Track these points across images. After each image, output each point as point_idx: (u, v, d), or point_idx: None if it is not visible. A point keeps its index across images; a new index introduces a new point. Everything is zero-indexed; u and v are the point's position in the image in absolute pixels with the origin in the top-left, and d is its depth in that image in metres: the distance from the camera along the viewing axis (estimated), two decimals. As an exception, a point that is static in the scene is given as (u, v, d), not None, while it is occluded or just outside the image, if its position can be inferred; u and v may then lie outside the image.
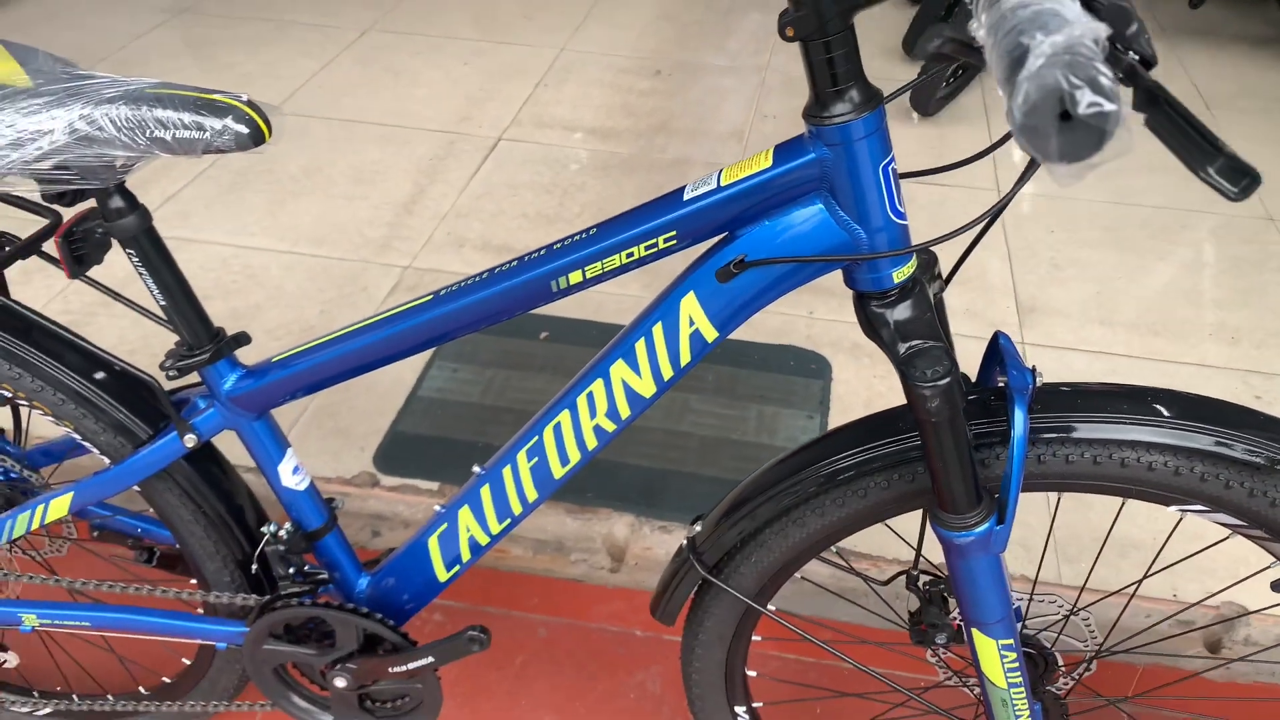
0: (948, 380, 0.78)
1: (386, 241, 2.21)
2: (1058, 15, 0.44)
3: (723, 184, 0.80)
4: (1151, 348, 1.95)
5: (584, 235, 0.86)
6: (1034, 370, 0.84)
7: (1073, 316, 2.03)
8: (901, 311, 0.81)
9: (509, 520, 1.03)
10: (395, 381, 1.82)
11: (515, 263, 0.89)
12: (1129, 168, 2.52)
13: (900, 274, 0.80)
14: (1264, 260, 2.22)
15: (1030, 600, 1.04)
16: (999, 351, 0.88)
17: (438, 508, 1.07)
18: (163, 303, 0.97)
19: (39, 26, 3.24)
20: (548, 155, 2.55)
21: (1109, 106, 0.42)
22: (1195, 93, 2.89)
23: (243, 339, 1.01)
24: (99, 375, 1.04)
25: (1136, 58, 0.53)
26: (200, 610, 1.19)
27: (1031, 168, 0.79)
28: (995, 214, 0.80)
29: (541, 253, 0.87)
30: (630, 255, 0.84)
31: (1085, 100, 0.42)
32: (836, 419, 1.78)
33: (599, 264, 0.85)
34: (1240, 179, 0.47)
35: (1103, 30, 0.43)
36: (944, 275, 0.91)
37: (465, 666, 1.41)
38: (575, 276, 0.86)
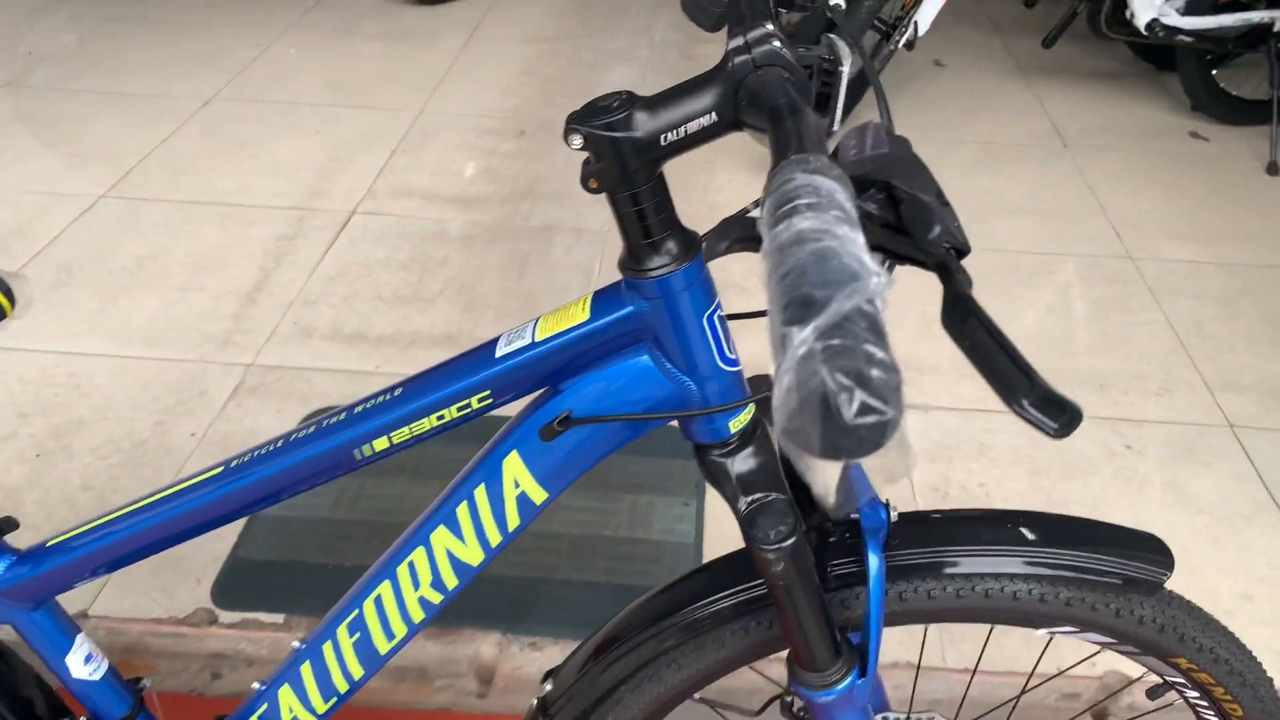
0: (791, 541, 0.71)
1: (228, 337, 2.05)
2: (837, 259, 0.36)
3: (538, 339, 0.71)
4: (1025, 402, 1.93)
5: (389, 396, 0.76)
6: (888, 505, 0.79)
7: (944, 372, 2.01)
8: (742, 462, 0.74)
9: (335, 699, 0.91)
10: (236, 500, 1.66)
11: (313, 428, 0.78)
12: (991, 212, 2.54)
13: (738, 422, 0.73)
14: (1125, 300, 2.25)
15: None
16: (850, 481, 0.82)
17: (256, 685, 0.95)
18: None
19: None
20: (405, 228, 2.43)
21: (882, 413, 0.34)
22: (1053, 129, 2.95)
23: (8, 525, 0.87)
24: None
25: (948, 248, 0.48)
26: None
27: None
28: None
29: (342, 417, 0.77)
30: (441, 418, 0.75)
31: (854, 405, 0.34)
32: (714, 502, 1.70)
33: (406, 429, 0.75)
34: (1060, 414, 0.42)
35: (883, 286, 0.36)
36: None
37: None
38: (380, 443, 0.76)
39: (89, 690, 0.94)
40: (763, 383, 0.81)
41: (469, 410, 0.73)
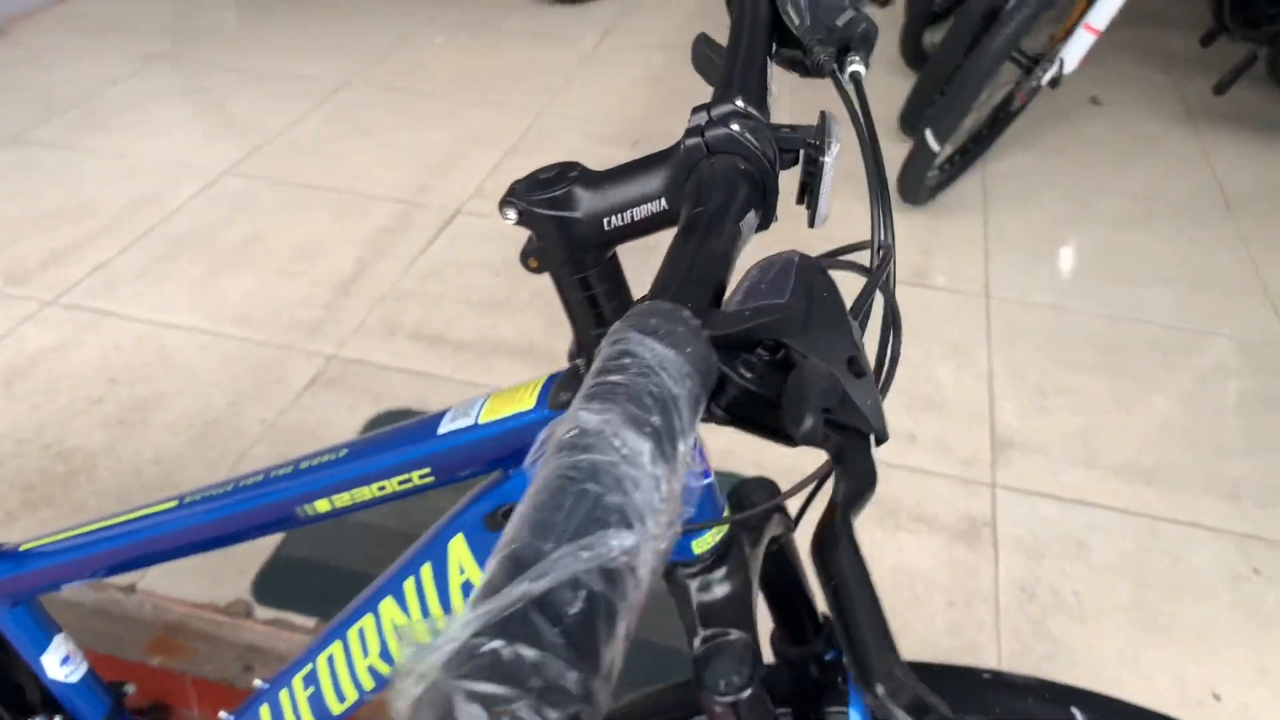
0: (746, 693, 0.61)
1: (317, 325, 2.06)
2: (590, 497, 0.27)
3: (480, 420, 0.64)
4: (1139, 499, 1.74)
5: (334, 456, 0.70)
6: None
7: (1053, 456, 1.83)
8: (706, 588, 0.65)
9: (291, 749, 0.86)
10: (286, 496, 1.66)
11: (262, 477, 0.73)
12: (1134, 275, 2.32)
13: (702, 543, 0.64)
14: (1277, 397, 2.01)
15: None
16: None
17: (223, 714, 0.91)
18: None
19: (17, 69, 3.17)
20: (505, 232, 2.40)
21: None
22: (1217, 187, 2.68)
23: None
24: None
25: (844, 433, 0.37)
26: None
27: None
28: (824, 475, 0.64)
29: (289, 470, 0.71)
30: (382, 489, 0.68)
31: None
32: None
33: (348, 495, 0.69)
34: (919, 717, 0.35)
35: (653, 544, 0.27)
36: (794, 519, 0.76)
37: None
38: (323, 505, 0.70)
39: (66, 691, 0.93)
40: (746, 494, 0.72)
41: (410, 485, 0.67)
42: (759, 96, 0.55)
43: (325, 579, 1.54)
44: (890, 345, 0.59)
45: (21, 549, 0.82)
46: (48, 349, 1.97)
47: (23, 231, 2.34)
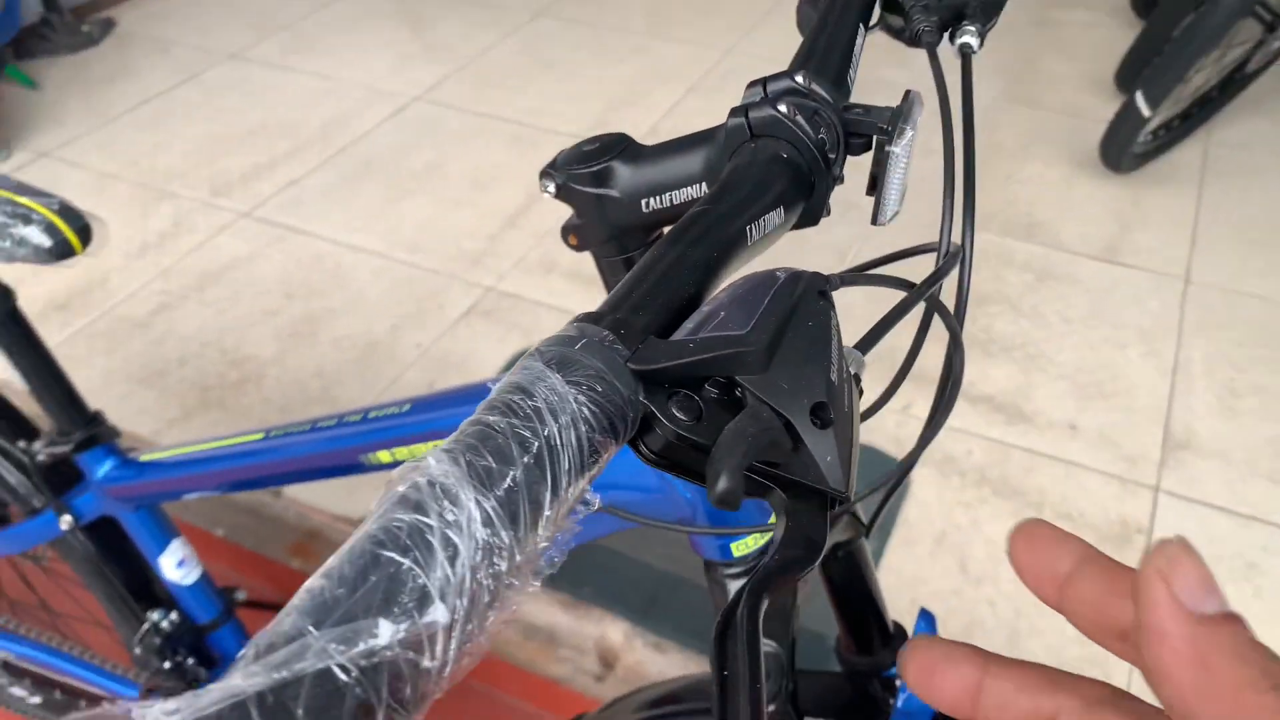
0: (770, 711, 0.58)
1: (480, 257, 2.12)
2: (392, 566, 0.25)
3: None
4: (1331, 520, 1.56)
5: (399, 409, 0.72)
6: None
7: (1234, 464, 1.66)
8: None
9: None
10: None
11: (336, 421, 0.76)
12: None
13: (742, 546, 0.61)
14: None
15: None
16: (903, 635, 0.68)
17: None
18: (28, 386, 0.90)
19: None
20: (676, 175, 2.37)
21: None
22: None
23: (114, 433, 0.93)
24: None
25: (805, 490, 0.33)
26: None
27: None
28: (908, 467, 0.60)
29: (358, 419, 0.74)
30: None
31: None
32: (897, 550, 1.54)
33: (408, 449, 0.71)
34: None
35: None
36: (867, 522, 0.72)
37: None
38: (384, 456, 0.72)
39: (181, 591, 1.01)
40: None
41: (466, 448, 0.67)
42: (837, 71, 0.49)
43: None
44: (951, 375, 0.54)
45: (142, 459, 0.90)
46: (239, 258, 2.12)
47: (230, 147, 2.52)
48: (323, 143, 2.52)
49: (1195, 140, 2.41)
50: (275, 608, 1.10)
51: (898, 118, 0.48)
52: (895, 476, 0.58)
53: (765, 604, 0.29)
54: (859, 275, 0.43)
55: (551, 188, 0.51)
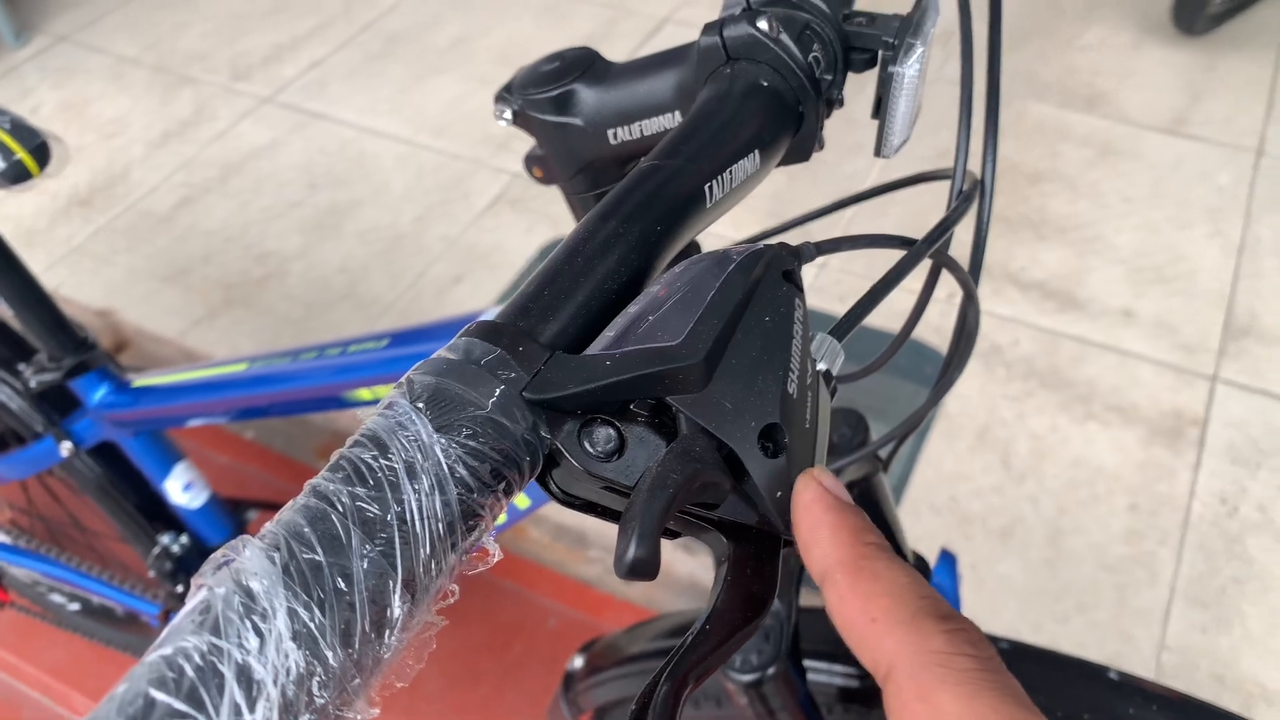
0: (771, 672, 0.55)
1: (506, 140, 2.04)
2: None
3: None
4: (1400, 411, 1.47)
5: (376, 345, 0.68)
6: None
7: (1299, 348, 1.56)
8: None
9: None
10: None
11: (316, 354, 0.72)
12: None
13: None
14: None
15: None
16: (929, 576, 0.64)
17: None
18: (15, 313, 0.87)
19: None
20: (713, 46, 2.24)
21: None
22: None
23: (108, 358, 0.91)
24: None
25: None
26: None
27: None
28: (919, 419, 0.55)
29: (337, 352, 0.70)
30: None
31: None
32: (937, 445, 1.49)
33: (388, 387, 0.66)
34: None
35: None
36: (884, 458, 0.68)
37: (460, 645, 1.34)
38: (365, 393, 0.68)
39: (188, 515, 1.00)
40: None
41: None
42: None
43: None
44: (963, 333, 0.47)
45: (135, 385, 0.87)
46: (261, 147, 2.07)
47: (250, 25, 2.43)
48: (345, 19, 2.41)
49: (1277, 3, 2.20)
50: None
51: (906, 30, 0.40)
52: (906, 429, 0.53)
53: (690, 688, 0.24)
54: (841, 241, 0.36)
55: (507, 114, 0.44)
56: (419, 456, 0.23)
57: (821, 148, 0.41)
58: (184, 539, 1.02)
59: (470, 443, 0.24)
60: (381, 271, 1.79)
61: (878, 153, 0.43)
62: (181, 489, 0.98)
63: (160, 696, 0.19)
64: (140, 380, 0.88)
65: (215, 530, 1.02)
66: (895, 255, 0.38)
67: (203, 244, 1.86)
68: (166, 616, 1.02)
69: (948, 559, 0.66)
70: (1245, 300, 1.64)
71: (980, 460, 1.48)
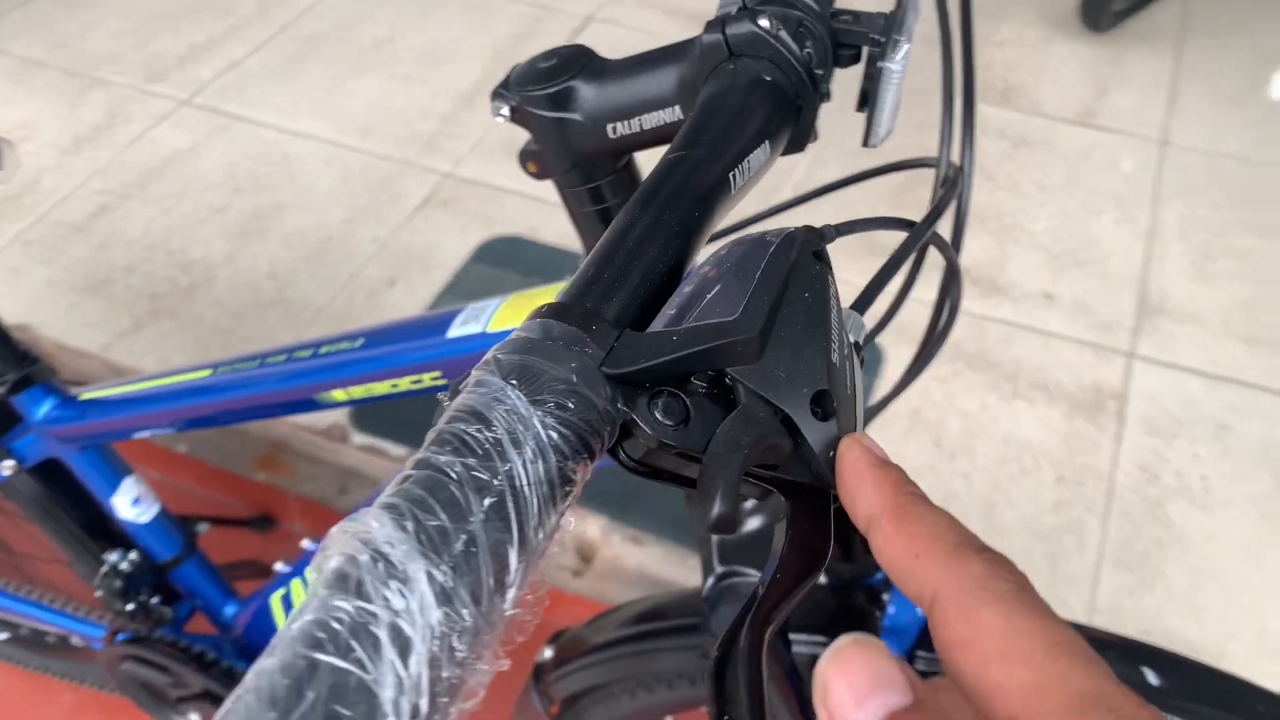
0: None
1: (434, 139, 2.02)
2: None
3: (489, 329, 0.59)
4: (1300, 381, 1.57)
5: (350, 345, 0.68)
6: None
7: (1209, 326, 1.65)
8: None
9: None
10: (397, 317, 1.67)
11: (285, 357, 0.71)
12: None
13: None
14: None
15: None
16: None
17: (279, 566, 0.96)
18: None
19: None
20: (639, 44, 2.24)
21: None
22: None
23: (50, 372, 0.88)
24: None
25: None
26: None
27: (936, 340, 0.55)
28: (894, 395, 0.58)
29: (308, 355, 0.69)
30: (395, 386, 0.65)
31: None
32: (872, 429, 1.53)
33: (363, 387, 0.67)
34: None
35: None
36: None
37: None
38: (339, 394, 0.68)
39: (137, 530, 0.98)
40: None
41: (422, 385, 0.64)
42: None
43: (415, 410, 1.58)
44: (946, 310, 0.50)
45: (82, 398, 0.85)
46: (181, 151, 2.01)
47: (165, 24, 2.36)
48: (262, 20, 2.36)
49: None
50: (243, 524, 1.07)
51: (891, 27, 0.43)
52: (891, 397, 0.56)
53: (770, 631, 0.26)
54: (855, 223, 0.38)
55: (505, 110, 0.46)
56: (520, 427, 0.25)
57: (815, 139, 0.44)
58: (133, 555, 0.99)
59: (561, 413, 0.26)
60: (311, 276, 1.76)
61: (866, 143, 0.46)
62: (130, 504, 0.95)
63: (321, 657, 0.20)
64: (87, 394, 0.86)
65: (165, 545, 0.99)
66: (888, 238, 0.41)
67: (124, 253, 1.80)
68: (113, 638, 0.99)
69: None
70: (1156, 281, 1.72)
71: (914, 441, 1.53)
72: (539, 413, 0.25)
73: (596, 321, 0.28)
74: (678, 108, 0.44)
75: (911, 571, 0.25)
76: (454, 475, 0.24)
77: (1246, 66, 2.14)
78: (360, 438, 1.53)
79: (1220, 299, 1.69)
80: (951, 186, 0.43)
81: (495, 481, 0.24)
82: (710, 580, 0.60)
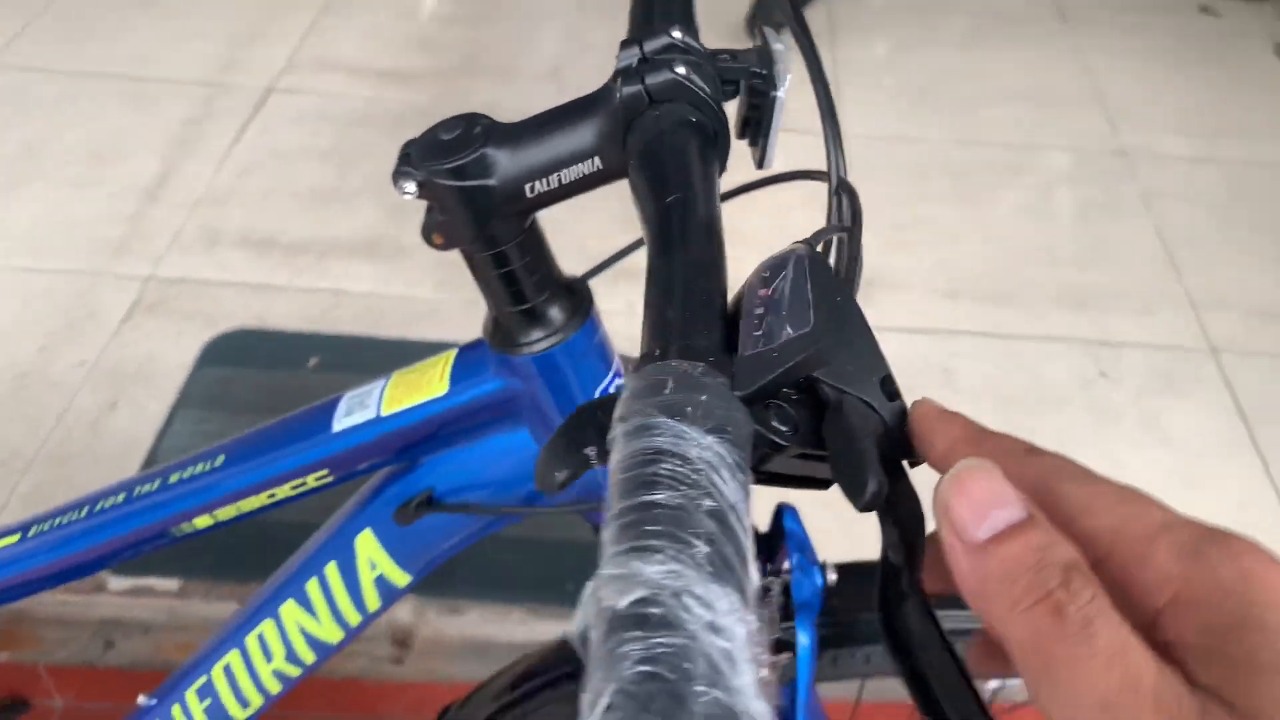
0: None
1: (124, 243, 1.84)
2: (686, 691, 0.21)
3: (384, 412, 0.55)
4: (998, 321, 1.79)
5: (210, 465, 0.61)
6: (824, 568, 0.67)
7: (915, 288, 1.85)
8: None
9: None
10: (130, 443, 1.50)
11: (123, 496, 0.62)
12: (977, 98, 2.32)
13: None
14: (1114, 203, 2.08)
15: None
16: (782, 530, 0.69)
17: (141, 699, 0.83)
18: None
19: None
20: (328, 110, 2.18)
21: None
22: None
23: None
24: None
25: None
26: None
27: None
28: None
29: (155, 486, 0.61)
30: (273, 496, 0.59)
31: None
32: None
33: (233, 506, 0.59)
34: None
35: None
36: None
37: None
38: (203, 520, 0.60)
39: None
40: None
41: (305, 488, 0.58)
42: (684, 11, 0.47)
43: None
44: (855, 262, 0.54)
45: None
46: None
47: None
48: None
49: (819, 1, 2.57)
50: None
51: (770, 61, 0.46)
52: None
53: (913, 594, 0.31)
54: (831, 228, 0.42)
55: (411, 187, 0.44)
56: (713, 457, 0.26)
57: (724, 170, 0.46)
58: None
59: (728, 439, 0.27)
60: (16, 417, 1.54)
61: (760, 165, 0.49)
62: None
63: (655, 669, 0.21)
64: None
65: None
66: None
67: None
68: None
69: (790, 511, 0.71)
70: (865, 258, 1.90)
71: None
72: (713, 439, 0.27)
73: (708, 353, 0.30)
74: (597, 159, 0.44)
75: None
76: (677, 506, 0.24)
77: (895, 55, 2.44)
78: (119, 581, 1.35)
79: (919, 263, 1.90)
80: (853, 194, 0.47)
81: (713, 504, 0.25)
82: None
